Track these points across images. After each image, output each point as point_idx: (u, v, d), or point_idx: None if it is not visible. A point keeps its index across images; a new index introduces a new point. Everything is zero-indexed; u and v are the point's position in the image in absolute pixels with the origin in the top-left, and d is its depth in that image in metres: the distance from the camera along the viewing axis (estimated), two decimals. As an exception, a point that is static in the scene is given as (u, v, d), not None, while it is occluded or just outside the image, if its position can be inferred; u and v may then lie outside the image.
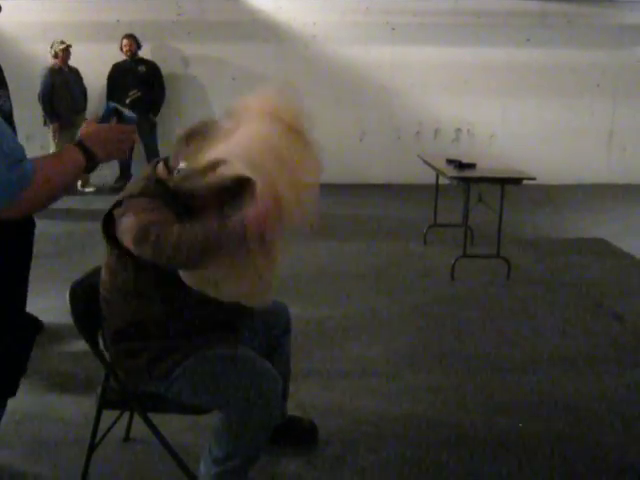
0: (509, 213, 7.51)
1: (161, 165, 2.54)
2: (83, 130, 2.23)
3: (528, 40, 9.55)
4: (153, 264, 2.34)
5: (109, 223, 2.47)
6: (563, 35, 9.59)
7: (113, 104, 2.41)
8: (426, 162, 6.06)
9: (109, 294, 2.59)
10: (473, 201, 5.93)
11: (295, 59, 9.46)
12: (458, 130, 9.67)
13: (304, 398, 3.62)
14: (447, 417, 3.52)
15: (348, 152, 8.87)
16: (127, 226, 2.35)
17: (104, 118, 2.35)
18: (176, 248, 2.22)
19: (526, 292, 5.47)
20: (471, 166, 5.85)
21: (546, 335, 4.63)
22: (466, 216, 5.84)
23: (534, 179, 5.52)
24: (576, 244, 6.91)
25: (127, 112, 2.39)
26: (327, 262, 6.16)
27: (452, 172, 5.67)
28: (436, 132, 9.44)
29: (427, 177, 6.95)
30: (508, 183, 5.50)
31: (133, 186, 2.51)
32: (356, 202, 8.68)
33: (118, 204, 2.44)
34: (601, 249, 6.77)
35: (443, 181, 6.32)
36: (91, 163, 2.19)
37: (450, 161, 6.05)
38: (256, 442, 2.52)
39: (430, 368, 4.08)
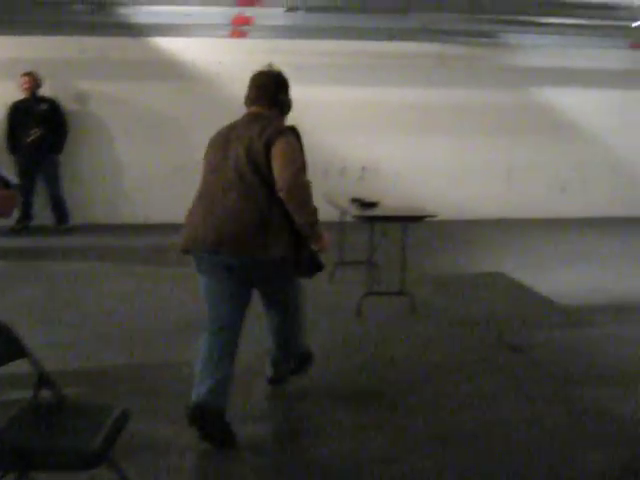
0: (415, 250, 7.69)
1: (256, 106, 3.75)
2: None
3: (429, 81, 9.86)
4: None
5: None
6: (462, 76, 9.96)
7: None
8: (330, 202, 6.12)
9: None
10: (378, 239, 6.03)
11: (200, 98, 9.46)
12: (364, 168, 9.85)
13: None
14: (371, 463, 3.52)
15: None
16: (289, 153, 3.55)
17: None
18: (306, 198, 3.55)
19: (429, 328, 5.56)
20: (374, 205, 5.96)
21: (447, 371, 4.71)
22: (371, 254, 5.92)
23: (435, 216, 5.66)
24: (477, 279, 7.11)
25: (10, 178, 2.92)
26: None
27: (355, 211, 5.75)
28: (342, 170, 9.57)
29: (334, 214, 7.02)
30: (409, 221, 5.62)
31: (271, 123, 3.65)
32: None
33: (280, 133, 3.57)
34: (501, 283, 6.98)
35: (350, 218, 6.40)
36: None
37: (354, 200, 6.14)
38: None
39: (327, 412, 4.08)
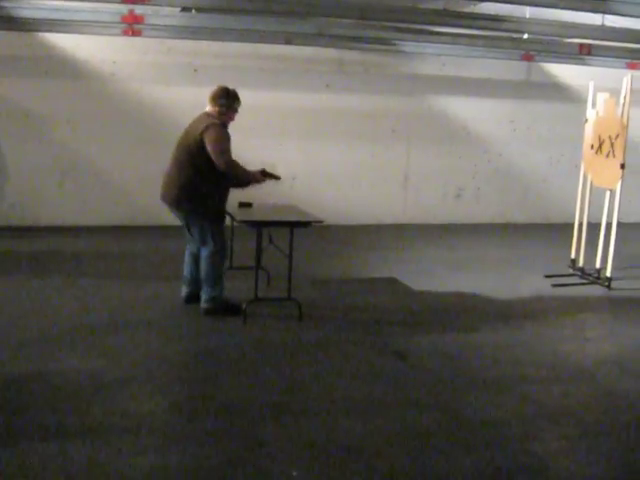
0: (308, 255, 7.70)
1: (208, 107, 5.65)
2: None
3: (327, 86, 9.90)
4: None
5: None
6: (360, 82, 10.04)
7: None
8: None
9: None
10: (265, 244, 5.98)
11: (94, 97, 9.19)
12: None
13: (70, 460, 3.41)
14: (218, 470, 3.44)
15: (148, 192, 8.66)
16: (217, 139, 5.47)
17: None
18: (235, 167, 5.54)
19: (317, 334, 5.54)
20: (248, 205, 6.20)
21: (333, 378, 4.69)
22: (258, 259, 5.86)
23: (322, 222, 5.65)
24: (369, 284, 7.15)
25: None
26: (118, 308, 5.94)
27: (241, 215, 5.68)
28: (239, 174, 9.47)
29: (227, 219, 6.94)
30: (297, 226, 5.58)
31: (208, 118, 5.58)
32: (152, 244, 8.55)
33: (209, 126, 5.48)
34: (392, 288, 7.04)
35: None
36: None
37: (242, 204, 6.08)
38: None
39: (211, 417, 3.99)
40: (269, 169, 5.98)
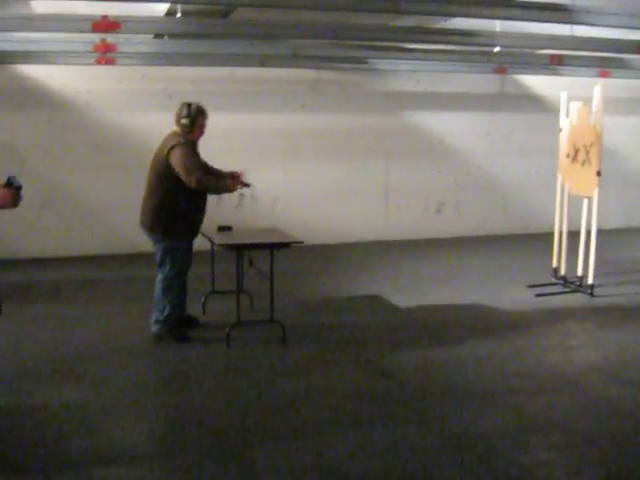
0: (290, 276, 7.69)
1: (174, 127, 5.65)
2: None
3: (303, 106, 9.94)
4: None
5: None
6: (336, 101, 10.09)
7: (11, 176, 3.83)
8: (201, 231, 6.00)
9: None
10: (246, 267, 5.96)
11: (70, 127, 9.16)
12: (241, 195, 9.78)
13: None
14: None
15: (128, 220, 8.63)
16: (181, 159, 5.46)
17: (6, 184, 3.79)
18: (205, 183, 5.57)
19: (301, 355, 5.52)
20: (228, 228, 6.18)
21: (317, 398, 4.66)
22: (239, 282, 5.83)
23: (301, 242, 5.64)
24: (352, 302, 7.14)
25: (16, 182, 3.81)
26: (99, 338, 5.89)
27: (219, 240, 5.66)
28: (219, 198, 9.44)
29: (207, 243, 6.92)
30: (276, 248, 5.57)
31: (173, 139, 5.55)
32: (130, 270, 8.50)
33: (174, 146, 5.47)
34: (375, 305, 7.03)
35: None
36: None
37: (221, 228, 6.07)
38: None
39: (198, 444, 3.95)
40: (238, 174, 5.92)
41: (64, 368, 5.14)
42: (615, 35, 7.52)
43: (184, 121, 5.57)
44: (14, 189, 3.81)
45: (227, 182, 5.80)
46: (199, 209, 5.74)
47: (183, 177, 5.49)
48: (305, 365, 5.30)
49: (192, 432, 4.12)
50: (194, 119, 5.59)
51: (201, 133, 5.74)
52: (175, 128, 5.65)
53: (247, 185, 5.92)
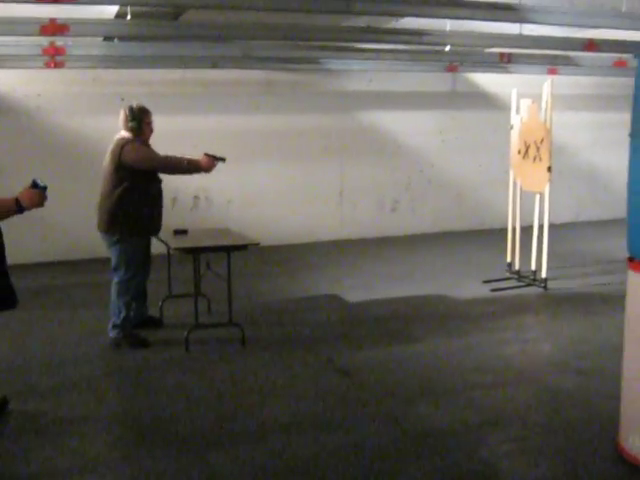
0: (248, 278, 7.67)
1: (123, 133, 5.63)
2: (22, 191, 4.07)
3: (257, 107, 9.92)
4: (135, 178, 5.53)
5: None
6: (289, 102, 10.09)
7: (36, 179, 4.10)
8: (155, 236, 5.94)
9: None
10: (204, 269, 5.93)
11: (20, 132, 9.00)
12: (196, 197, 9.73)
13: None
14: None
15: (82, 225, 8.52)
16: (138, 151, 5.54)
17: (32, 186, 4.08)
18: (174, 161, 5.63)
19: (261, 356, 5.51)
20: (184, 232, 6.11)
21: (280, 400, 4.66)
22: (197, 286, 5.80)
23: (258, 244, 5.63)
24: (310, 302, 7.15)
25: (41, 183, 4.09)
26: (55, 346, 5.80)
27: (175, 244, 5.62)
28: (174, 200, 9.39)
29: (163, 247, 6.87)
30: (233, 250, 5.55)
31: (124, 139, 5.57)
32: (85, 276, 8.40)
33: (126, 143, 5.52)
34: (334, 304, 7.05)
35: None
36: (19, 211, 4.05)
37: (177, 232, 6.02)
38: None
39: (159, 451, 3.92)
40: (211, 153, 5.83)
41: (20, 378, 5.04)
42: (563, 33, 7.67)
43: (131, 124, 5.59)
44: (40, 189, 4.09)
45: (199, 160, 5.75)
46: (156, 205, 5.74)
47: (146, 166, 5.57)
48: (265, 367, 5.29)
49: (153, 438, 4.08)
50: (140, 119, 5.63)
51: (150, 131, 5.75)
52: (123, 133, 5.66)
53: (222, 159, 5.82)
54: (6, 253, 4.32)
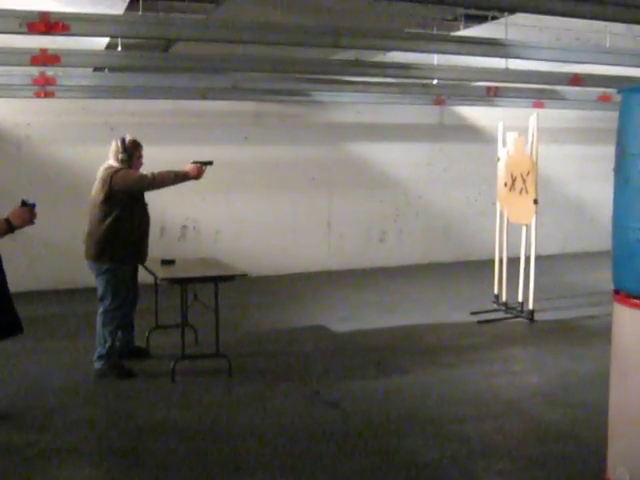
0: (235, 309, 7.65)
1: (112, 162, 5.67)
2: (12, 211, 4.21)
3: (246, 138, 9.97)
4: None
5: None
6: (278, 133, 10.15)
7: (24, 198, 4.28)
8: (143, 265, 5.93)
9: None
10: (190, 300, 5.92)
11: (9, 161, 9.00)
12: (184, 227, 9.73)
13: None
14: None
15: (70, 255, 8.49)
16: (127, 175, 5.59)
17: (21, 205, 4.25)
18: (162, 177, 5.63)
19: (247, 388, 5.48)
20: (171, 262, 6.11)
21: (267, 433, 4.62)
22: (184, 316, 5.78)
23: (245, 275, 5.63)
24: (297, 333, 7.13)
25: (29, 200, 4.27)
26: (39, 376, 5.75)
27: (162, 274, 5.62)
28: (162, 230, 9.38)
29: (150, 277, 6.85)
30: (220, 281, 5.54)
31: (112, 167, 5.63)
32: (71, 306, 8.34)
33: (117, 171, 5.58)
34: (321, 336, 7.03)
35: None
36: (10, 230, 4.21)
37: (164, 262, 6.02)
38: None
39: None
40: (198, 160, 5.86)
41: (3, 408, 4.98)
42: (549, 68, 7.79)
43: (122, 156, 5.65)
44: (29, 207, 4.23)
45: (186, 170, 5.78)
46: (145, 230, 5.81)
47: (138, 187, 5.64)
48: (252, 399, 5.26)
49: (139, 473, 4.04)
50: (131, 153, 5.70)
51: (140, 164, 5.81)
52: (112, 162, 5.71)
53: (210, 163, 5.85)
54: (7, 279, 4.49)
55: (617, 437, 3.72)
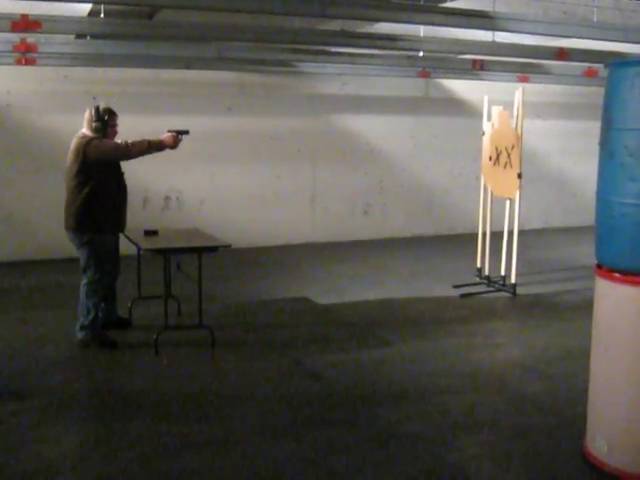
0: (219, 279, 7.63)
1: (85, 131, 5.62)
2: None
3: (229, 109, 9.88)
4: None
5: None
6: (262, 104, 10.07)
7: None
8: (125, 236, 5.89)
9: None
10: (174, 271, 5.89)
11: (-11, 130, 8.88)
12: (167, 198, 9.66)
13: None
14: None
15: (49, 224, 8.42)
16: (101, 145, 5.52)
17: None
18: (138, 146, 5.59)
19: (230, 359, 5.48)
20: (154, 233, 6.02)
21: (250, 404, 4.63)
22: (167, 287, 5.76)
23: (229, 246, 5.60)
24: (281, 304, 7.14)
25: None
26: (22, 348, 5.72)
27: (145, 244, 5.58)
28: (145, 201, 9.32)
29: (133, 248, 6.81)
30: (203, 252, 5.51)
31: (85, 137, 5.56)
32: (51, 276, 8.30)
33: (90, 140, 5.52)
34: (304, 307, 7.05)
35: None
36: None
37: (147, 232, 5.97)
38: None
39: (125, 454, 3.88)
40: (174, 129, 5.81)
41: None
42: (535, 42, 7.76)
43: (95, 125, 5.58)
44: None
45: (161, 138, 5.72)
46: (123, 199, 5.78)
47: (112, 156, 5.58)
48: (235, 370, 5.26)
49: (120, 442, 4.03)
50: (105, 121, 5.62)
51: (114, 133, 5.76)
52: (85, 131, 5.64)
53: (186, 132, 5.82)
54: None
55: (596, 409, 3.77)
